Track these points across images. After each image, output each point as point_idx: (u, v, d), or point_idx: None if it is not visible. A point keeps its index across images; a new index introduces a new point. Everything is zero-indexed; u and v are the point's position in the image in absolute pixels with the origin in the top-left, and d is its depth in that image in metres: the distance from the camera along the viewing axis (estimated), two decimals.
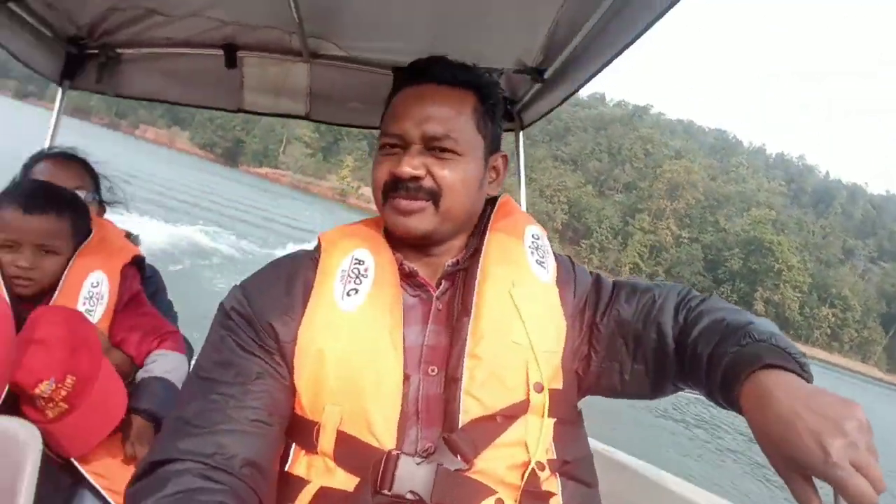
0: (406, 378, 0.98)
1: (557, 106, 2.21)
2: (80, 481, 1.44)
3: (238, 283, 1.06)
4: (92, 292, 1.58)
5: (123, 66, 2.52)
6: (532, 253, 1.11)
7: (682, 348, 0.99)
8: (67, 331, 1.40)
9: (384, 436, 0.94)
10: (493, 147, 1.13)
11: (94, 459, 1.45)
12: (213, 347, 1.01)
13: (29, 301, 1.51)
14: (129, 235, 1.98)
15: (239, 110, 2.65)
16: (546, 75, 2.14)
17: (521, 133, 2.60)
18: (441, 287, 1.08)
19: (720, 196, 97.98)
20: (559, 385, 1.03)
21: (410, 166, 1.01)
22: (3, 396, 1.29)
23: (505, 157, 1.18)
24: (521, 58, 2.14)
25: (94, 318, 1.56)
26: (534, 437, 0.97)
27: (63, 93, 2.50)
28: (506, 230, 1.12)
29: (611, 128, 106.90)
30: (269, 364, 0.98)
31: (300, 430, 0.99)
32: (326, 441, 0.95)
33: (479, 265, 1.06)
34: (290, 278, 1.05)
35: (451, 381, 0.98)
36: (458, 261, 1.10)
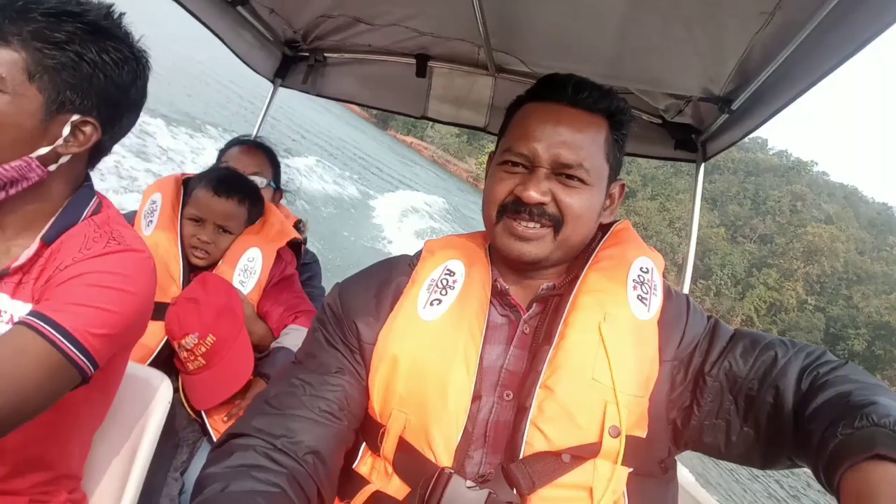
0: (478, 398, 0.96)
1: (741, 139, 2.07)
2: (206, 434, 1.63)
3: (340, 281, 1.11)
4: (247, 266, 1.78)
5: (328, 68, 2.78)
6: (635, 287, 1.02)
7: (799, 419, 0.86)
8: (218, 298, 1.60)
9: (442, 452, 0.92)
10: (614, 175, 1.09)
11: (216, 416, 1.62)
12: (307, 339, 1.08)
13: (199, 269, 1.75)
14: (298, 223, 2.20)
15: (423, 117, 2.78)
16: (734, 106, 2.01)
17: (702, 165, 2.47)
18: (532, 310, 1.05)
19: (862, 272, 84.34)
20: (642, 433, 0.94)
21: (538, 192, 0.98)
22: (160, 345, 1.58)
23: (622, 185, 1.13)
24: (708, 86, 2.03)
25: (246, 289, 1.76)
26: (601, 485, 0.89)
27: (274, 90, 2.82)
28: (611, 259, 1.06)
29: (763, 176, 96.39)
30: (349, 361, 1.01)
31: (370, 431, 1.01)
32: (389, 446, 0.96)
33: (573, 293, 1.01)
34: (384, 282, 1.08)
35: (521, 410, 0.94)
36: (554, 285, 1.06)
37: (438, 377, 0.95)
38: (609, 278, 1.03)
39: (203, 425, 1.63)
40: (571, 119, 1.02)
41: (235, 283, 1.75)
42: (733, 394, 0.95)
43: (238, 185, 1.83)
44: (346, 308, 1.05)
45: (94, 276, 0.95)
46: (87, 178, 1.09)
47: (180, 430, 1.61)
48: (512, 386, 0.97)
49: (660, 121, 2.45)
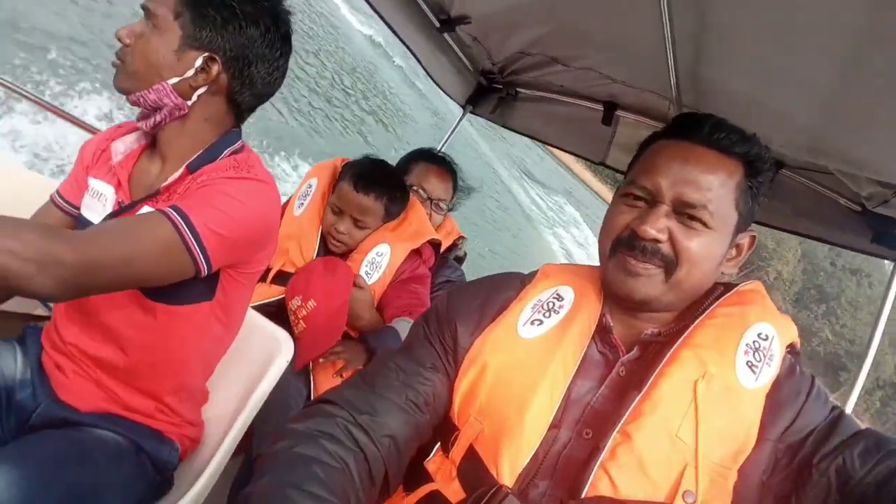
0: (555, 428, 0.93)
1: None
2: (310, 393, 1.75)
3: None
4: (375, 260, 1.88)
5: (517, 102, 2.87)
6: (746, 351, 0.94)
7: None
8: (332, 276, 1.75)
9: (506, 471, 0.91)
10: (743, 225, 1.01)
11: (322, 372, 1.74)
12: (411, 331, 1.12)
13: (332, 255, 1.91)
14: (459, 238, 2.28)
15: (601, 163, 2.78)
16: None
17: None
18: (632, 353, 1.00)
19: None
20: None
21: (654, 228, 0.95)
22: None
23: (753, 237, 1.05)
24: None
25: (370, 280, 1.86)
26: None
27: (463, 115, 2.97)
28: (728, 317, 0.98)
29: None
30: (443, 360, 1.03)
31: (445, 432, 1.01)
32: (458, 450, 0.96)
33: (676, 343, 0.95)
34: (493, 293, 1.08)
35: (595, 450, 0.90)
36: (659, 332, 1.00)
37: (520, 397, 0.95)
38: (719, 336, 0.96)
39: (309, 380, 1.76)
40: (702, 158, 0.97)
41: (361, 275, 1.86)
42: (841, 495, 0.83)
43: (379, 181, 1.91)
44: (451, 309, 1.08)
45: (220, 187, 1.10)
46: (237, 129, 1.25)
47: (288, 386, 1.73)
48: (593, 425, 0.94)
49: (859, 208, 2.23)
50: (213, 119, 1.19)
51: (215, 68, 1.14)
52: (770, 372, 0.93)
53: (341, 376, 1.75)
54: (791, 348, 1.00)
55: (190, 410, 1.32)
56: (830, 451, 0.87)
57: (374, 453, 0.92)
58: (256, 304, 1.76)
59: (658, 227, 0.95)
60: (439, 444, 1.03)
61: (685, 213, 0.96)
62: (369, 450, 0.92)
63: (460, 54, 2.64)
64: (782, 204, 2.34)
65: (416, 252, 1.99)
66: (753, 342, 0.95)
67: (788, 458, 0.88)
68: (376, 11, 2.32)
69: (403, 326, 1.80)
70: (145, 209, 1.15)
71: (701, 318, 0.98)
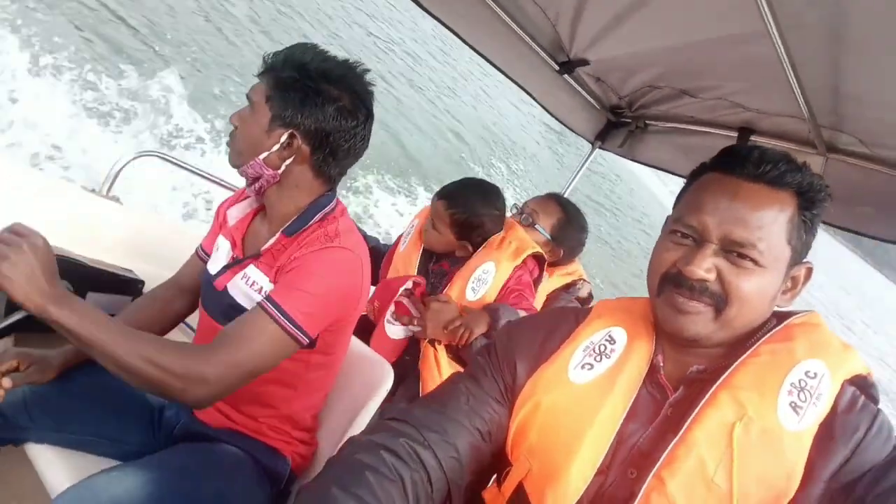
0: (603, 473, 0.92)
1: None
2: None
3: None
4: (481, 277, 2.00)
5: (647, 135, 2.84)
6: (790, 391, 0.87)
7: None
8: (393, 286, 1.98)
9: None
10: (798, 258, 0.95)
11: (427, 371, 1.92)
12: (474, 360, 1.13)
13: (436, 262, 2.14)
14: (579, 280, 2.31)
15: None
16: None
17: None
18: (678, 393, 0.95)
19: None
20: None
21: (701, 269, 0.91)
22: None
23: (809, 269, 0.97)
24: None
25: (476, 295, 1.98)
26: None
27: (592, 150, 2.99)
28: (773, 355, 0.91)
29: None
30: (504, 395, 1.04)
31: (500, 464, 1.03)
32: (508, 485, 0.97)
33: (715, 386, 0.90)
34: (552, 331, 1.07)
35: (631, 494, 0.88)
36: (705, 369, 0.95)
37: (568, 444, 0.94)
38: (762, 376, 0.90)
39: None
40: (751, 194, 0.92)
41: (467, 290, 1.97)
42: None
43: (455, 196, 2.05)
44: (511, 346, 1.09)
45: (307, 267, 1.27)
46: (330, 192, 1.41)
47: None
48: (638, 465, 0.92)
49: None
50: (303, 185, 1.37)
51: (296, 143, 1.32)
52: (817, 412, 0.87)
53: (461, 349, 1.87)
54: (859, 380, 0.92)
55: (301, 431, 1.49)
56: (884, 491, 0.79)
57: (438, 474, 0.94)
58: None
59: (705, 267, 0.92)
60: (495, 475, 1.06)
61: (734, 251, 0.92)
62: (433, 470, 0.93)
63: (583, 93, 2.68)
64: None
65: (521, 267, 2.06)
66: (799, 381, 0.89)
67: (843, 499, 0.82)
68: (493, 65, 2.45)
69: (508, 310, 1.89)
70: (251, 268, 1.37)
71: (744, 356, 0.93)
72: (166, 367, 1.09)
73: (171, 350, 1.13)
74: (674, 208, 1.04)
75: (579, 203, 2.45)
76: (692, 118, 2.62)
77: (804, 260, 0.98)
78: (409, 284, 1.97)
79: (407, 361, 1.99)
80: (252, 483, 1.37)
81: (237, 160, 1.35)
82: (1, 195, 1.68)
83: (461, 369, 1.35)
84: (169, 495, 1.19)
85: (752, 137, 2.44)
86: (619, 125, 2.91)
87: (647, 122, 2.82)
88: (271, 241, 1.36)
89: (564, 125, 2.85)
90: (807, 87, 1.88)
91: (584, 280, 2.39)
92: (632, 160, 2.92)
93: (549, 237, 2.26)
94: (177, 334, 1.64)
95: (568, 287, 2.32)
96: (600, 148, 2.98)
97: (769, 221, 0.91)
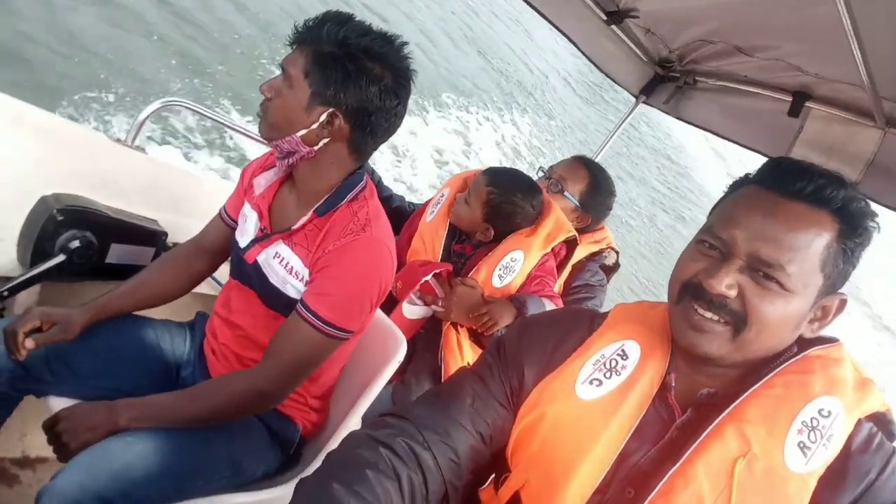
0: (602, 492, 0.90)
1: None
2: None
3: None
4: (508, 265, 1.96)
5: (694, 93, 2.69)
6: (800, 430, 0.83)
7: None
8: (420, 269, 1.94)
9: None
10: (831, 288, 0.88)
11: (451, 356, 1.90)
12: (481, 359, 1.10)
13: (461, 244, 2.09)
14: (607, 248, 2.24)
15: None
16: None
17: None
18: (686, 415, 0.92)
19: None
20: None
21: (722, 284, 0.86)
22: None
23: (843, 301, 0.90)
24: None
25: (503, 282, 1.95)
26: None
27: (636, 105, 2.85)
28: (787, 388, 0.87)
29: None
30: (509, 399, 1.02)
31: (499, 467, 1.01)
32: (506, 491, 0.96)
33: (722, 416, 0.86)
34: (564, 336, 1.04)
35: None
36: (716, 392, 0.91)
37: (568, 460, 0.92)
38: (771, 412, 0.86)
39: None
40: (790, 213, 0.86)
41: (494, 277, 1.93)
42: None
43: (501, 178, 2.01)
44: (521, 350, 1.05)
45: (339, 265, 1.28)
46: (361, 169, 1.38)
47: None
48: (636, 485, 0.89)
49: None
50: (338, 162, 1.34)
51: (337, 122, 1.28)
52: (826, 454, 0.83)
53: (483, 336, 1.87)
54: (877, 416, 0.88)
55: (315, 399, 1.51)
56: None
57: (435, 476, 0.93)
58: None
59: (726, 283, 0.87)
60: (493, 476, 1.04)
61: (760, 270, 0.86)
62: (430, 471, 0.92)
63: (631, 45, 2.53)
64: None
65: (548, 253, 2.01)
66: (811, 420, 0.85)
67: None
68: (538, 11, 2.32)
69: (534, 301, 1.87)
70: (282, 246, 1.37)
71: (756, 386, 0.89)
72: (232, 404, 1.30)
73: (227, 389, 1.31)
74: (709, 216, 0.98)
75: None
76: (745, 78, 2.47)
77: (839, 291, 0.91)
78: (436, 271, 1.94)
79: (420, 337, 1.99)
80: (263, 448, 1.41)
81: (270, 133, 1.31)
82: (28, 144, 1.69)
83: None
84: (180, 461, 1.23)
85: (807, 104, 2.30)
86: (667, 80, 2.75)
87: (696, 78, 2.66)
88: (302, 220, 1.34)
89: (608, 76, 2.71)
90: (870, 54, 1.74)
91: (612, 248, 2.33)
92: (676, 118, 2.78)
93: (577, 203, 2.19)
94: (204, 287, 1.65)
95: (595, 255, 2.27)
96: (644, 103, 2.84)
97: (803, 245, 0.85)
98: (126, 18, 5.40)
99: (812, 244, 0.85)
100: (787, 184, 0.88)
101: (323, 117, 1.26)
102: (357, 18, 1.28)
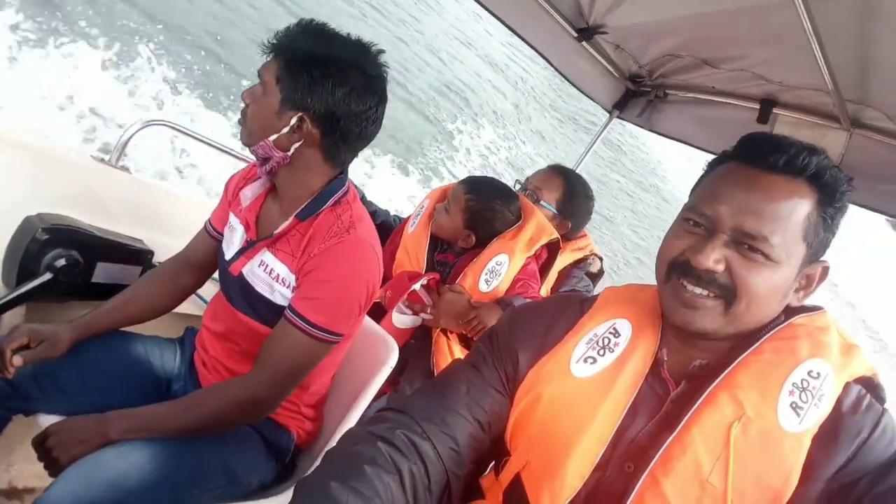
0: (602, 468, 0.91)
1: None
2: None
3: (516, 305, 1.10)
4: (494, 268, 1.99)
5: (665, 106, 2.77)
6: (791, 391, 0.85)
7: None
8: (407, 278, 1.95)
9: None
10: (813, 256, 0.91)
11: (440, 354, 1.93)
12: (475, 349, 1.10)
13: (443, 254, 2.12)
14: (591, 255, 2.28)
15: None
16: None
17: None
18: (681, 387, 0.93)
19: None
20: None
21: (710, 259, 0.88)
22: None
23: (825, 268, 0.93)
24: None
25: (489, 286, 1.97)
26: None
27: (609, 120, 2.93)
28: (776, 353, 0.89)
29: None
30: (505, 386, 1.03)
31: (499, 453, 1.02)
32: (506, 475, 0.97)
33: (714, 384, 0.88)
34: (555, 320, 1.05)
35: (626, 490, 0.87)
36: (707, 363, 0.93)
37: (567, 437, 0.93)
38: (762, 376, 0.88)
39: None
40: (769, 186, 0.89)
41: (480, 282, 1.96)
42: None
43: (479, 186, 2.07)
44: (512, 336, 1.06)
45: (325, 268, 1.29)
46: (341, 175, 1.39)
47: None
48: (635, 459, 0.91)
49: None
50: (314, 168, 1.35)
51: (306, 126, 1.29)
52: (818, 413, 0.85)
53: (474, 340, 1.88)
54: (864, 380, 0.91)
55: (309, 408, 1.50)
56: (884, 491, 0.79)
57: (437, 466, 0.93)
58: None
59: (714, 258, 0.89)
60: (494, 462, 1.05)
61: (745, 243, 0.89)
62: (431, 462, 0.92)
63: (602, 61, 2.61)
64: None
65: (532, 257, 2.05)
66: (801, 381, 0.87)
67: (843, 499, 0.81)
68: (511, 29, 2.39)
69: (520, 302, 1.88)
70: (266, 254, 1.38)
71: (746, 353, 0.91)
72: (225, 412, 1.29)
73: (220, 398, 1.31)
74: (690, 195, 1.01)
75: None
76: (713, 89, 2.56)
77: (821, 259, 0.95)
78: (424, 281, 1.96)
79: (411, 347, 1.99)
80: (258, 457, 1.40)
81: (248, 139, 1.33)
82: (12, 164, 1.68)
83: None
84: (175, 469, 1.21)
85: (775, 110, 2.38)
86: (639, 94, 2.84)
87: (666, 91, 2.75)
88: (284, 225, 1.35)
89: (582, 92, 2.79)
90: (832, 59, 1.82)
91: (596, 255, 2.36)
92: (650, 131, 2.86)
93: (555, 212, 2.23)
94: (188, 306, 1.64)
95: (579, 262, 2.30)
96: (618, 118, 2.92)
97: (785, 215, 0.88)
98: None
99: (793, 214, 0.88)
100: (763, 157, 0.90)
101: (293, 121, 1.27)
102: (331, 27, 1.31)
